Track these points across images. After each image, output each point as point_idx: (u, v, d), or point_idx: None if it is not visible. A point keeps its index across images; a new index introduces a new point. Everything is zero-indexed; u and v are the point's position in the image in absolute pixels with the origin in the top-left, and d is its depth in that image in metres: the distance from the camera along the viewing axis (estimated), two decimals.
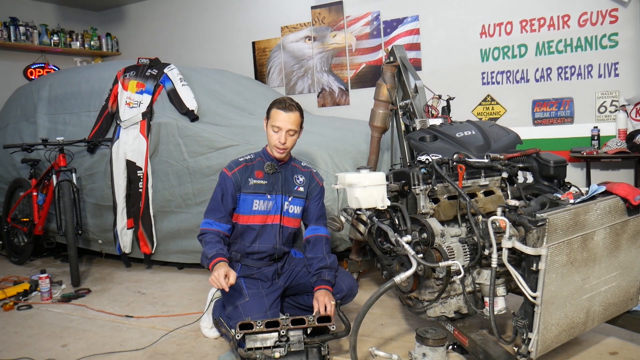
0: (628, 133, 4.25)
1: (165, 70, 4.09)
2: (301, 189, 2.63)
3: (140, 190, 3.93)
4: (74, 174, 3.99)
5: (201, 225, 2.55)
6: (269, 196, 2.56)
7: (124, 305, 3.36)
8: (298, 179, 2.64)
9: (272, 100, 2.60)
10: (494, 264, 2.00)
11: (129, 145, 3.94)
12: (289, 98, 2.60)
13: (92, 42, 7.00)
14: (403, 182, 2.38)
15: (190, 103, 3.88)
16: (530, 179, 2.60)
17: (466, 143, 2.62)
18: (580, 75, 4.55)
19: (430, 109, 3.10)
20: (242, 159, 2.60)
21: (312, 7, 5.71)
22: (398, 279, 2.08)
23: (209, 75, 4.58)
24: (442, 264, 2.08)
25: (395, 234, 2.20)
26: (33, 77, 6.14)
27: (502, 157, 2.53)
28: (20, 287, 3.59)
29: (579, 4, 4.48)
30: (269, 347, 2.14)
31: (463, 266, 2.12)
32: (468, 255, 2.19)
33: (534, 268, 1.89)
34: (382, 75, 3.23)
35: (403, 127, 3.18)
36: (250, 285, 2.52)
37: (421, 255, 2.16)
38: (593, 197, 2.14)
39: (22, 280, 3.80)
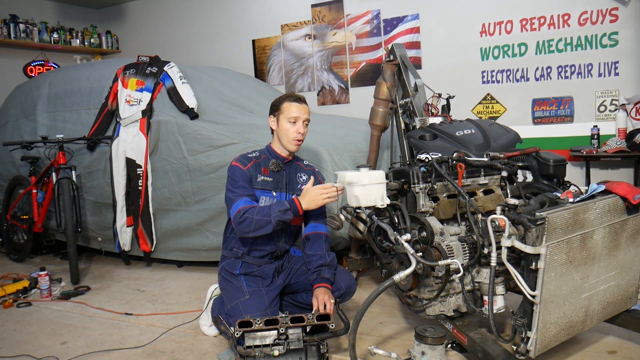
0: (628, 132, 4.25)
1: (165, 68, 4.09)
2: (304, 187, 2.62)
3: (140, 188, 3.93)
4: (73, 172, 3.99)
5: (239, 205, 2.39)
6: (274, 193, 2.56)
7: (124, 302, 3.36)
8: (301, 177, 2.65)
9: (273, 99, 2.64)
10: (493, 262, 2.00)
11: (129, 143, 3.94)
12: (296, 93, 2.66)
13: (92, 40, 7.00)
14: (403, 180, 2.38)
15: (190, 101, 3.88)
16: (529, 178, 2.60)
17: (466, 142, 2.62)
18: (580, 74, 4.55)
19: (430, 108, 3.10)
20: (250, 155, 2.59)
21: (312, 6, 5.71)
22: (397, 277, 2.08)
23: (208, 73, 4.58)
24: (441, 262, 2.08)
25: (395, 232, 2.19)
26: (33, 75, 6.14)
27: (501, 155, 2.53)
28: (20, 284, 3.60)
29: (579, 3, 4.48)
30: (268, 345, 2.15)
31: (462, 265, 2.12)
32: (467, 254, 2.19)
33: (533, 267, 1.89)
34: (382, 74, 3.23)
35: (403, 125, 3.18)
36: (250, 282, 2.51)
37: (420, 253, 2.16)
38: (592, 196, 2.14)
39: (22, 278, 3.80)
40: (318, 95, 5.81)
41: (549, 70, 4.66)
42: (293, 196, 2.50)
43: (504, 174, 2.51)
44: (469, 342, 2.17)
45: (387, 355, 2.20)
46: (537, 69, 4.71)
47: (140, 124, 3.92)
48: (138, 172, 3.93)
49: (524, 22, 4.72)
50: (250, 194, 2.47)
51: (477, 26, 4.90)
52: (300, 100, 2.57)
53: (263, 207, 2.39)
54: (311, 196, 2.37)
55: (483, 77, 4.94)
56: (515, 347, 1.99)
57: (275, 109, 2.59)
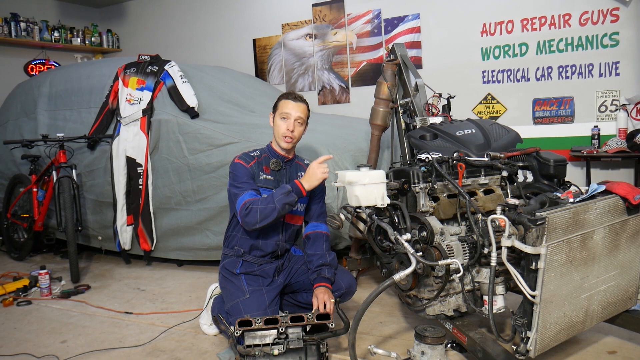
0: (628, 132, 4.25)
1: (166, 67, 4.09)
2: None
3: (140, 187, 3.93)
4: (74, 171, 3.99)
5: (244, 198, 2.41)
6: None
7: (124, 301, 3.37)
8: (302, 176, 2.64)
9: (274, 98, 2.67)
10: (493, 262, 2.00)
11: (129, 141, 3.94)
12: (296, 92, 2.67)
13: (92, 39, 7.00)
14: (403, 180, 2.38)
15: (191, 100, 3.88)
16: (530, 178, 2.59)
17: (466, 141, 2.62)
18: (580, 75, 4.55)
19: (430, 107, 3.10)
20: (252, 154, 2.60)
21: (313, 5, 5.70)
22: (397, 277, 2.08)
23: (209, 73, 4.58)
24: (441, 262, 2.08)
25: (395, 232, 2.19)
26: (33, 73, 6.13)
27: (502, 155, 2.53)
28: (20, 283, 3.60)
29: (580, 3, 4.48)
30: (267, 345, 2.15)
31: (462, 264, 2.12)
32: (467, 254, 2.19)
33: (533, 267, 1.89)
34: (383, 74, 3.23)
35: (403, 125, 3.18)
36: (250, 282, 2.52)
37: (420, 253, 2.16)
38: (593, 196, 2.14)
39: (22, 276, 3.81)
40: (319, 94, 5.81)
41: (549, 70, 4.66)
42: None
43: (505, 174, 2.51)
44: (469, 342, 2.17)
45: (387, 355, 2.20)
46: (538, 69, 4.70)
47: (140, 122, 3.92)
48: (138, 171, 3.93)
49: (524, 22, 4.71)
50: (255, 188, 2.49)
51: (477, 26, 4.90)
52: (298, 98, 2.57)
53: (266, 197, 2.41)
54: (310, 173, 2.38)
55: (484, 77, 4.93)
56: (515, 347, 1.99)
57: (274, 106, 2.61)
